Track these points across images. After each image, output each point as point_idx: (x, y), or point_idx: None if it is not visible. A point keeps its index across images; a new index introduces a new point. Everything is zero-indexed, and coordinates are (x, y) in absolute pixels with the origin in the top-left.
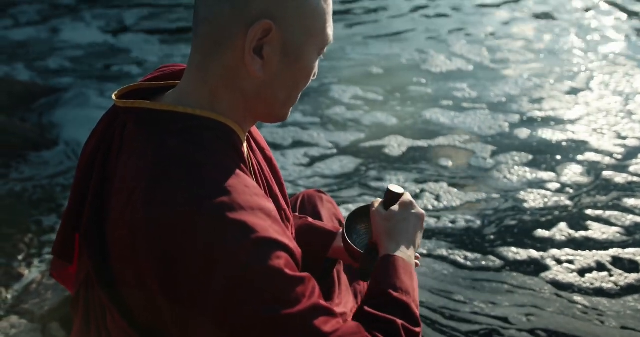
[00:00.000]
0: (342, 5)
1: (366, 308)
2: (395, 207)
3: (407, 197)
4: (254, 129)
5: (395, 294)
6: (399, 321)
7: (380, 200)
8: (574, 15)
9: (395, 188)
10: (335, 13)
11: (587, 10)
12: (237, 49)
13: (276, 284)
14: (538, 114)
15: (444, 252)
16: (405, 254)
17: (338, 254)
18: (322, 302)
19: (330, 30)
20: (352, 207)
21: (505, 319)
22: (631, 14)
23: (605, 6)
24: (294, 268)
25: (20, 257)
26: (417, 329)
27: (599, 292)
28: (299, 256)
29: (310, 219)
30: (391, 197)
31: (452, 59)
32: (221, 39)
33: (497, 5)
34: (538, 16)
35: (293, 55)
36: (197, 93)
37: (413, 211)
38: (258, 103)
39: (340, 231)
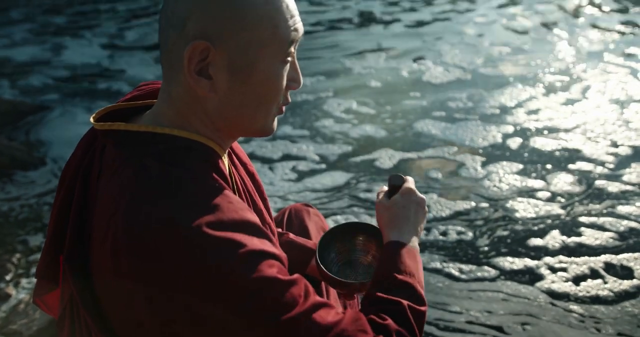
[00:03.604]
0: (339, 20)
1: (374, 293)
2: (397, 196)
3: (408, 184)
4: (235, 144)
5: (399, 276)
6: (405, 302)
7: (385, 189)
8: (566, 24)
9: (396, 178)
10: (332, 28)
11: (578, 19)
12: (186, 71)
13: (274, 291)
14: (532, 124)
15: (437, 265)
16: (408, 239)
17: (315, 272)
18: (318, 298)
19: (287, 31)
20: (341, 218)
21: (500, 328)
22: (621, 22)
23: (596, 15)
24: (285, 273)
25: (7, 278)
26: (423, 308)
27: (595, 299)
28: (286, 261)
29: (291, 236)
30: (393, 187)
31: (450, 70)
32: (173, 63)
33: (493, 18)
34: (532, 28)
35: (244, 70)
36: (169, 114)
37: (413, 198)
38: (224, 121)
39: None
